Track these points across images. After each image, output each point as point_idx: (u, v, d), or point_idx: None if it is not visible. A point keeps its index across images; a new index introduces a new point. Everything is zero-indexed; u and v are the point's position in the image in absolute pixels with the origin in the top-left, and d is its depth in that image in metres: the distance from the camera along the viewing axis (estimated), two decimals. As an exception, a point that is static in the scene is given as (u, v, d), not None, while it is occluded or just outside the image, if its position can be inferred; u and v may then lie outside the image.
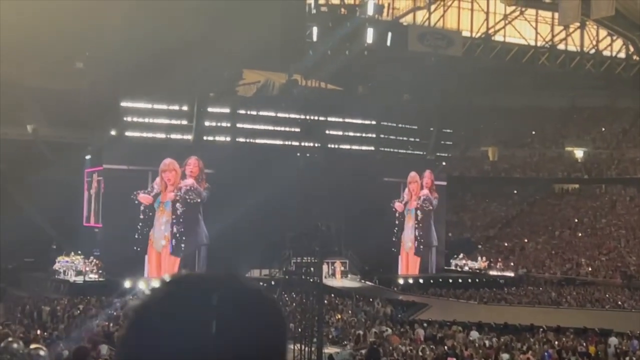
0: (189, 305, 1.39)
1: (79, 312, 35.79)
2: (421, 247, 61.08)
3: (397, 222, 60.42)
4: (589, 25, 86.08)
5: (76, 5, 52.76)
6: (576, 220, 72.71)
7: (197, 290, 1.42)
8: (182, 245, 51.19)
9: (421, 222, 61.47)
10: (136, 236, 50.07)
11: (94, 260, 48.64)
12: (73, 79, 54.37)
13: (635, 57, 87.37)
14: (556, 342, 31.42)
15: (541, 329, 34.90)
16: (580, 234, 69.89)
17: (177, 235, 51.19)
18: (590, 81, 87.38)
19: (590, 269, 62.14)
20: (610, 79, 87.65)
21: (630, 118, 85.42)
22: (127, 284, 45.33)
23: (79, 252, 49.23)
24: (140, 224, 50.33)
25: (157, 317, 1.40)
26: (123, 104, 50.91)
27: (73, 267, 48.14)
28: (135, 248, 49.78)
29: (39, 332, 27.92)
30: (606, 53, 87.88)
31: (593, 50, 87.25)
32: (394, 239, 59.68)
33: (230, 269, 1.50)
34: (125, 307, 37.56)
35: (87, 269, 47.92)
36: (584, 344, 31.60)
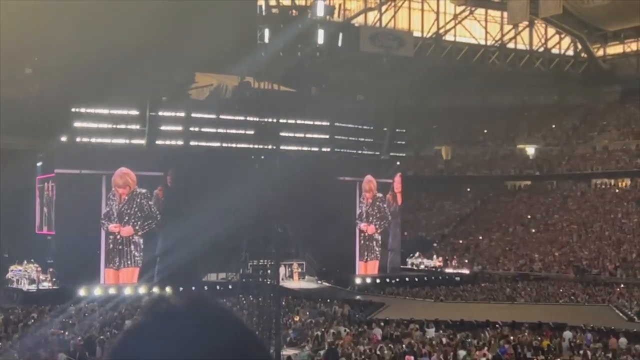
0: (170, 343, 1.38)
1: (33, 321, 35.35)
2: (378, 249, 61.20)
3: (356, 222, 60.45)
4: (537, 24, 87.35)
5: (24, 10, 52.04)
6: (529, 217, 73.62)
7: (179, 326, 1.40)
8: (141, 253, 50.83)
9: (379, 227, 61.63)
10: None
11: (49, 269, 48.05)
12: (22, 85, 53.58)
13: (583, 54, 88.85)
14: (512, 337, 31.81)
15: (497, 325, 35.30)
16: (533, 230, 70.77)
17: (134, 239, 50.83)
18: (539, 79, 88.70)
19: (543, 264, 62.98)
20: (559, 76, 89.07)
21: (579, 115, 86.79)
22: (82, 291, 44.88)
23: (32, 260, 48.56)
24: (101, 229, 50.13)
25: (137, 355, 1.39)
26: (74, 109, 50.26)
27: (26, 275, 47.48)
28: (97, 252, 49.33)
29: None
30: (555, 51, 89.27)
31: (542, 49, 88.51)
32: (351, 238, 59.74)
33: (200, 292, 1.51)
34: (79, 314, 37.21)
35: (41, 277, 47.30)
36: (539, 339, 32.04)
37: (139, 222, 51.07)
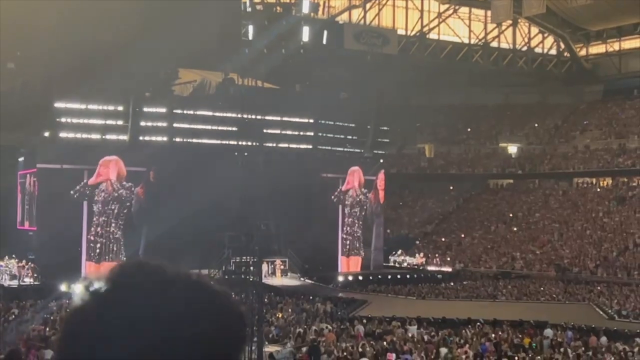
0: (127, 308, 1.34)
1: (14, 316, 35.18)
2: (361, 248, 61.18)
3: (339, 217, 60.37)
4: (521, 23, 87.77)
5: (6, 5, 51.73)
6: (511, 215, 73.99)
7: (137, 292, 1.37)
8: (122, 249, 50.69)
9: (359, 220, 61.62)
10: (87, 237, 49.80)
11: (30, 264, 47.82)
12: (5, 79, 53.26)
13: (566, 54, 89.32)
14: (493, 335, 31.95)
15: (478, 323, 35.43)
16: (515, 229, 71.12)
17: (117, 235, 50.73)
18: (522, 78, 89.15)
19: (524, 262, 63.30)
20: (542, 75, 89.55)
21: (561, 114, 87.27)
22: (64, 287, 44.65)
23: (13, 255, 48.34)
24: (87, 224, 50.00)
25: (91, 324, 1.35)
26: (57, 104, 50.05)
27: (7, 271, 47.25)
28: (78, 249, 49.21)
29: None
30: (538, 50, 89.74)
31: (525, 48, 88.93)
32: (334, 235, 59.75)
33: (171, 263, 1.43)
34: (61, 310, 37.04)
35: (22, 272, 47.08)
36: (520, 336, 32.22)
37: (118, 213, 50.95)
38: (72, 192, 49.28)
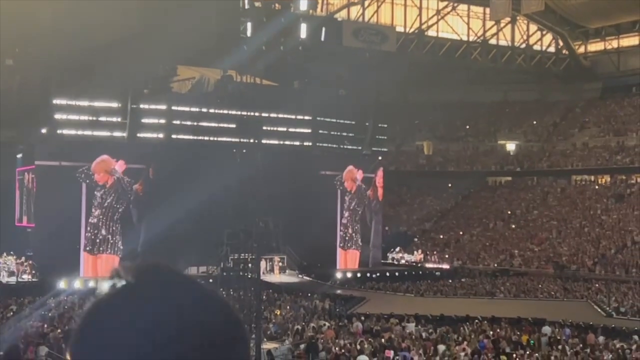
0: (146, 309, 1.38)
1: (12, 313, 35.18)
2: (359, 241, 61.26)
3: (337, 213, 60.40)
4: (519, 20, 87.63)
5: (5, 3, 51.64)
6: (509, 212, 73.99)
7: (154, 292, 1.40)
8: (119, 243, 50.68)
9: (357, 217, 61.69)
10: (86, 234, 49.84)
11: (28, 261, 47.82)
12: (3, 76, 53.20)
13: (564, 51, 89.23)
14: (491, 332, 31.98)
15: (476, 320, 35.46)
16: (513, 226, 71.14)
17: (114, 228, 50.76)
18: (521, 75, 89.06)
19: (522, 259, 63.30)
20: (541, 73, 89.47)
21: (560, 111, 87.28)
22: (62, 284, 44.69)
23: (12, 252, 48.33)
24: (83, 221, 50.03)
25: (115, 317, 1.37)
26: (55, 101, 50.01)
27: (5, 268, 47.27)
28: (76, 246, 49.21)
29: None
30: (536, 48, 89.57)
31: (524, 45, 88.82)
32: (332, 232, 59.78)
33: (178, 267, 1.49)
34: (59, 307, 37.06)
35: (21, 269, 47.08)
36: (518, 334, 32.26)
37: (117, 208, 51.02)
38: (76, 174, 49.32)
